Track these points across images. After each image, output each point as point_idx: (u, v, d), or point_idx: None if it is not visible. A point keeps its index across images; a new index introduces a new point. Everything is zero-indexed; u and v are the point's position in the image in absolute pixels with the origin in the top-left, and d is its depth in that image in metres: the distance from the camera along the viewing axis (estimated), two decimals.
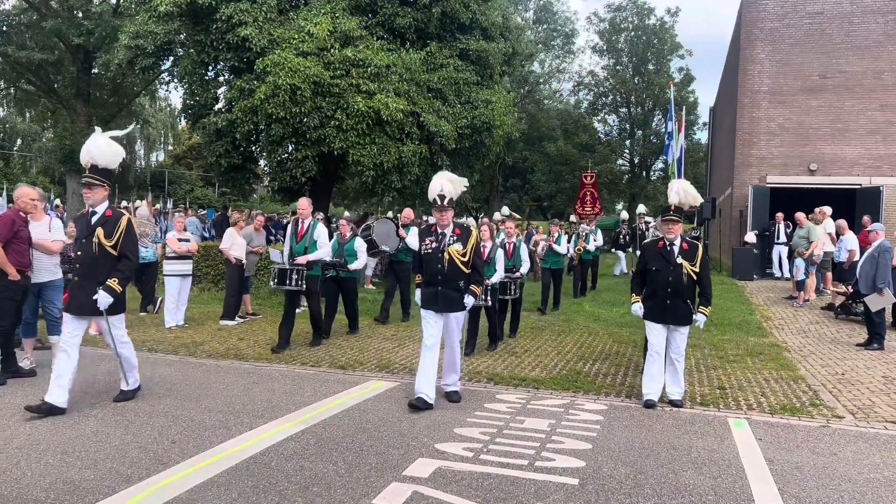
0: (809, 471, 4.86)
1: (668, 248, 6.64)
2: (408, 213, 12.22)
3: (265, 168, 21.00)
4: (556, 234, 12.80)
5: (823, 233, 14.33)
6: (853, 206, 18.73)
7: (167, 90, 44.23)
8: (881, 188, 18.65)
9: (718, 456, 5.11)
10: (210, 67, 18.03)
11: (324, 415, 5.89)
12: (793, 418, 6.25)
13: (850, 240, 13.85)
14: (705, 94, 70.68)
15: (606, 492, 4.36)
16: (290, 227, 9.20)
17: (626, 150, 49.34)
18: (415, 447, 5.10)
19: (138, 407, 5.94)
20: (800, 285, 14.04)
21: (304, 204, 9.05)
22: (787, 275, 18.07)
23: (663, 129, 40.00)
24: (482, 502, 4.12)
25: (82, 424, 5.38)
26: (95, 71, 29.26)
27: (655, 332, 6.65)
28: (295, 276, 8.67)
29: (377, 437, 5.31)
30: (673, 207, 6.69)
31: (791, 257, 16.39)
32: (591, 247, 15.52)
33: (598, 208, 23.75)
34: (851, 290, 11.63)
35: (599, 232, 16.18)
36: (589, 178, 24.03)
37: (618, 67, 47.59)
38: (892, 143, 19.16)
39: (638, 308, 6.73)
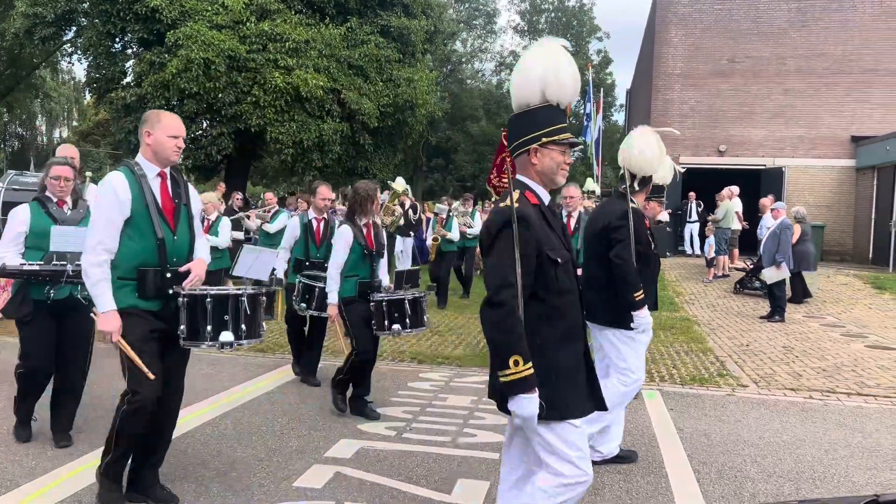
0: (716, 437, 5.11)
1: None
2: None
3: None
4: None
5: (732, 210, 15.01)
6: (758, 186, 19.70)
7: (70, 62, 41.64)
8: (783, 169, 19.67)
9: (632, 426, 5.30)
10: (117, 39, 17.12)
11: (242, 399, 5.76)
12: (701, 388, 6.55)
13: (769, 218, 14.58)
14: (622, 77, 72.68)
15: None
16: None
17: None
18: (337, 428, 5.06)
19: (43, 396, 5.63)
20: (709, 262, 14.71)
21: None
22: (697, 252, 18.87)
23: (582, 111, 40.86)
24: (405, 480, 4.14)
25: None
26: None
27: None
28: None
29: (298, 420, 5.24)
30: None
31: (702, 235, 17.15)
32: (455, 235, 11.19)
33: None
34: (751, 266, 12.27)
35: (478, 216, 12.36)
36: None
37: None
38: (793, 127, 20.21)
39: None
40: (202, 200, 7.88)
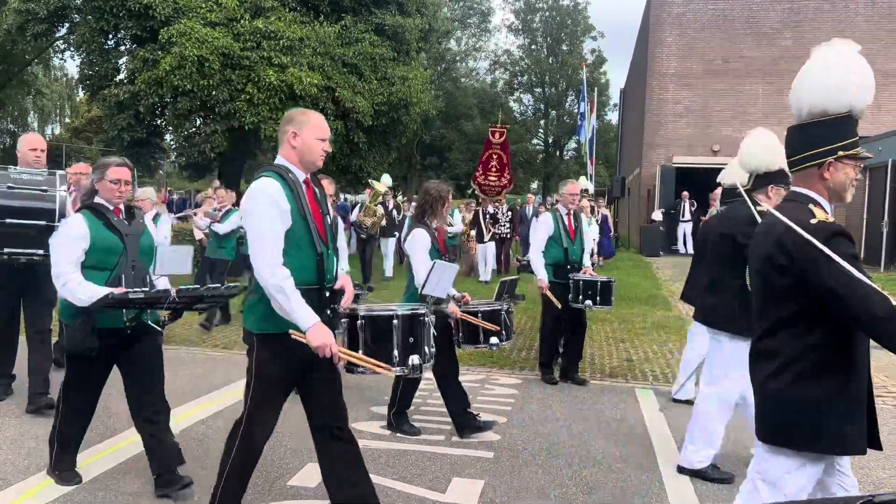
0: None
1: None
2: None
3: (171, 143, 20.15)
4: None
5: None
6: None
7: (62, 59, 41.42)
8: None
9: (626, 426, 5.32)
10: (110, 36, 17.09)
11: (236, 397, 5.73)
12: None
13: None
14: (616, 76, 72.88)
15: (520, 464, 4.46)
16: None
17: (541, 130, 50.22)
18: None
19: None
20: None
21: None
22: (690, 251, 18.93)
23: (576, 110, 40.93)
24: (399, 479, 4.14)
25: None
26: None
27: None
28: None
29: (292, 419, 5.22)
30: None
31: (695, 234, 17.20)
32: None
33: (508, 179, 16.38)
34: None
35: (457, 214, 12.15)
36: (498, 135, 16.84)
37: (532, 47, 48.24)
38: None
39: None
40: (138, 196, 6.72)
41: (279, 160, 3.15)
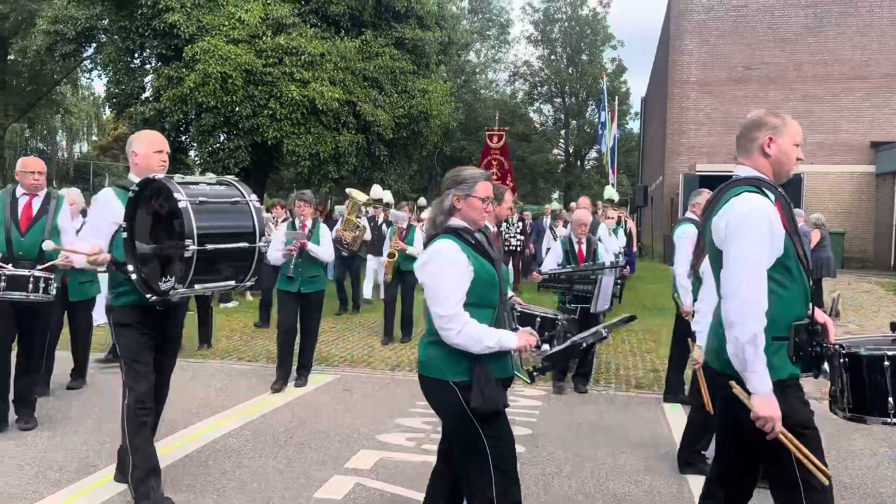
0: None
1: None
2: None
3: (196, 159, 20.44)
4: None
5: None
6: None
7: (90, 78, 42.25)
8: (802, 175, 19.51)
9: (652, 437, 5.26)
10: (136, 55, 17.45)
11: (262, 410, 5.78)
12: None
13: None
14: (637, 85, 72.68)
15: (546, 476, 4.43)
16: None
17: (562, 140, 50.11)
18: (356, 439, 5.06)
19: (65, 409, 5.70)
20: None
21: None
22: None
23: (597, 120, 40.70)
24: (425, 492, 4.13)
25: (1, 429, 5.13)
26: (11, 58, 27.90)
27: None
28: None
29: (317, 431, 5.25)
30: None
31: None
32: (418, 249, 8.23)
33: (511, 186, 15.08)
34: None
35: (417, 232, 9.33)
36: (496, 139, 15.60)
37: (552, 58, 48.22)
38: (812, 133, 20.05)
39: None
40: (68, 199, 5.41)
41: (746, 171, 2.65)
